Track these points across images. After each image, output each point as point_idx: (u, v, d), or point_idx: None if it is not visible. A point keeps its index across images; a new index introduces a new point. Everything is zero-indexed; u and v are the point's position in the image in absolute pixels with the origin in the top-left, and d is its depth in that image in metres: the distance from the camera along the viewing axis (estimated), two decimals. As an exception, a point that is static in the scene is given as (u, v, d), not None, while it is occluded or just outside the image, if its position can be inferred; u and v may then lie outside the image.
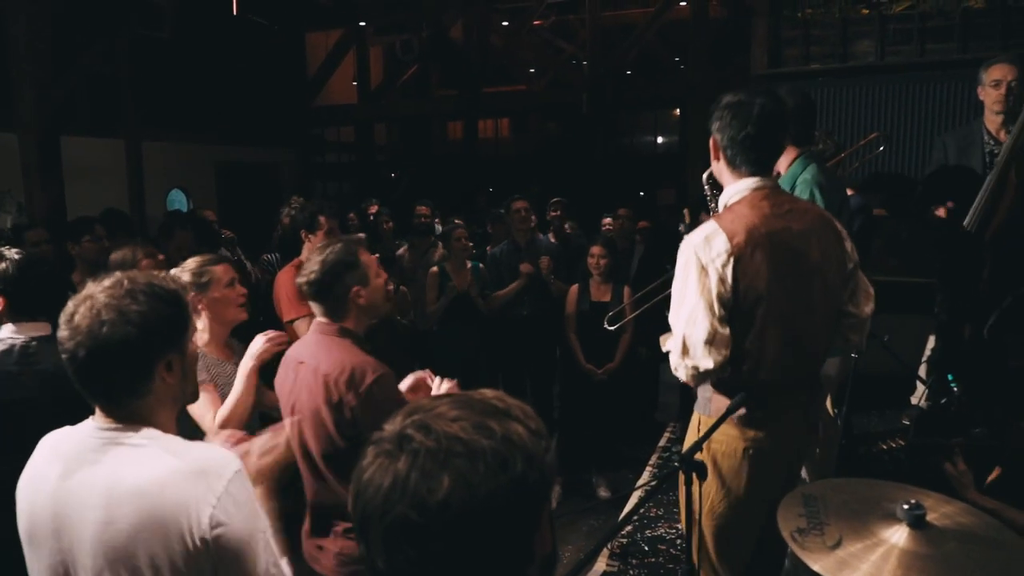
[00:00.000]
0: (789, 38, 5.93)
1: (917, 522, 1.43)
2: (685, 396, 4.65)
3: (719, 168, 2.29)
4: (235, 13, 10.06)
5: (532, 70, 14.01)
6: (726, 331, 2.11)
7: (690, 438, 2.36)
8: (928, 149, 4.29)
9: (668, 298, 2.38)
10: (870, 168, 4.73)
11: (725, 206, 2.25)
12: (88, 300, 1.32)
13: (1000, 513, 1.87)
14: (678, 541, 3.87)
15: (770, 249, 2.10)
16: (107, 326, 1.28)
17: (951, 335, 4.23)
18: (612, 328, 4.33)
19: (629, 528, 4.02)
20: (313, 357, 2.20)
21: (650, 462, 5.01)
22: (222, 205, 10.60)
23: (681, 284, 2.18)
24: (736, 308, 2.12)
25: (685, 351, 2.14)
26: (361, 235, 5.35)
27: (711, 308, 2.10)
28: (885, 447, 2.18)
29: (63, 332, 1.31)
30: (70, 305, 1.33)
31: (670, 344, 2.25)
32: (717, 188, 2.74)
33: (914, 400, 4.69)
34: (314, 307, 2.27)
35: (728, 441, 2.20)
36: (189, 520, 1.26)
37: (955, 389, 3.28)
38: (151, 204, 9.41)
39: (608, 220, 5.92)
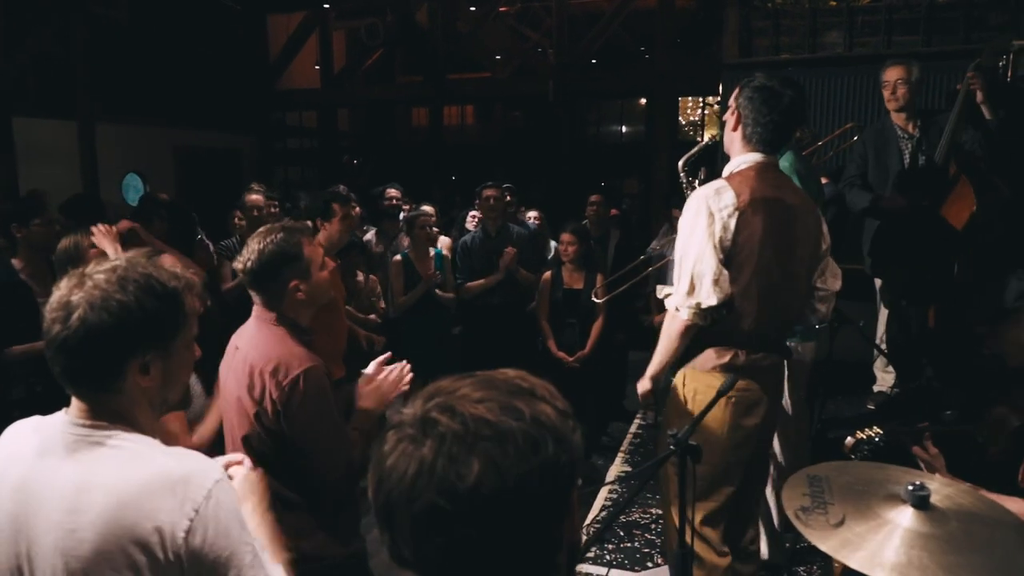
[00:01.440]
0: (759, 28, 6.00)
1: (921, 503, 1.44)
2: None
3: (732, 136, 2.48)
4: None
5: (498, 57, 13.91)
6: (727, 273, 2.31)
7: (674, 398, 2.52)
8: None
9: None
10: (844, 158, 4.82)
11: (732, 172, 2.44)
12: (81, 277, 1.24)
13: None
14: (653, 525, 3.89)
15: (767, 213, 2.32)
16: (83, 308, 1.20)
17: (915, 321, 4.35)
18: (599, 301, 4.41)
19: (604, 514, 4.02)
20: (246, 344, 2.12)
21: (621, 448, 5.02)
22: (181, 190, 10.33)
23: (689, 230, 2.35)
24: (729, 259, 2.32)
25: (691, 290, 2.31)
26: (307, 223, 5.19)
27: (716, 252, 2.29)
28: (864, 436, 2.23)
29: (50, 303, 1.23)
30: (64, 277, 1.25)
31: (669, 288, 2.44)
32: (692, 175, 2.94)
33: (876, 389, 4.80)
34: (252, 294, 2.16)
35: (709, 392, 2.29)
36: (162, 535, 1.17)
37: (927, 373, 3.36)
38: (106, 188, 9.11)
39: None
